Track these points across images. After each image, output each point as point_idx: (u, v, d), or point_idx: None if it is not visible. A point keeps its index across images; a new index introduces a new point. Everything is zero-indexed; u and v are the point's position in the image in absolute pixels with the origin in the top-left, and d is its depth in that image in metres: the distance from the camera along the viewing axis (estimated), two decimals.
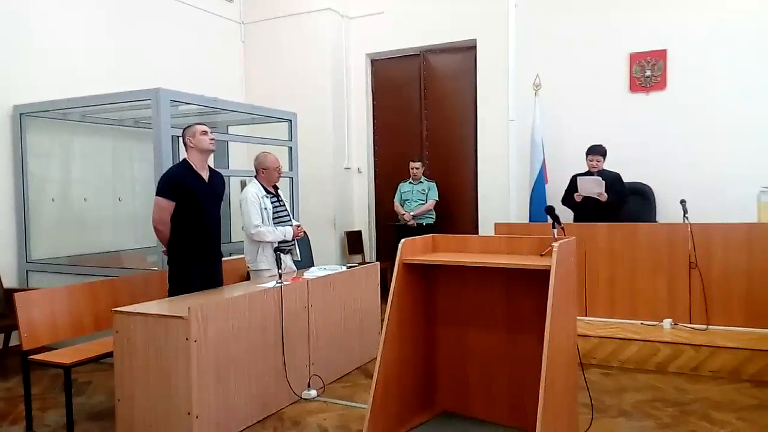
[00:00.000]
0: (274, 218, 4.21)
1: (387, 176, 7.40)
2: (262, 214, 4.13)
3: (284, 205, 4.41)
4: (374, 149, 7.69)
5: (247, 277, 4.41)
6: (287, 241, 4.28)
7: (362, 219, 7.64)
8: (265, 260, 4.14)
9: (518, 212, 6.56)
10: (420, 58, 7.27)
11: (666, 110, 5.95)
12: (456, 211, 7.08)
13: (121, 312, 3.23)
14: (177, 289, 3.76)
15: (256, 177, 4.33)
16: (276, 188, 4.39)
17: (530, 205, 6.28)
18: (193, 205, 3.75)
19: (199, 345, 3.07)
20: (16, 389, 4.05)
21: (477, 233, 6.67)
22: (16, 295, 3.51)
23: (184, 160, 3.86)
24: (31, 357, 3.43)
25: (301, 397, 3.79)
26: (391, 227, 6.98)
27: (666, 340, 4.30)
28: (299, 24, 7.31)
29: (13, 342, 4.50)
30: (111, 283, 4.05)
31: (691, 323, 4.57)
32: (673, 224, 4.85)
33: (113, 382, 3.25)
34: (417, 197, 6.65)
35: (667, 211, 5.59)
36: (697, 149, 5.78)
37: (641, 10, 6.02)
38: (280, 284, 3.72)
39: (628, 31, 6.09)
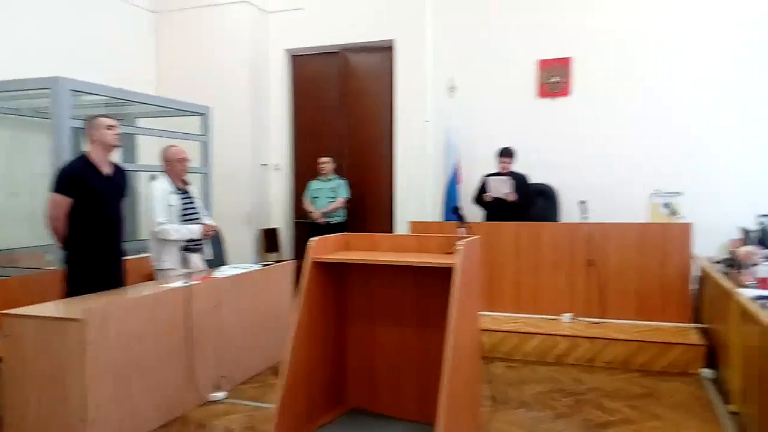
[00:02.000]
0: (182, 215, 4.08)
1: (306, 173, 7.34)
2: (168, 212, 3.99)
3: (194, 202, 4.28)
4: (294, 146, 7.62)
5: (153, 277, 4.25)
6: (195, 240, 4.16)
7: (280, 216, 7.56)
8: (170, 259, 4.01)
9: (434, 211, 6.71)
10: (340, 56, 7.27)
11: (570, 116, 6.27)
12: (373, 210, 7.15)
13: (10, 315, 3.03)
14: (75, 289, 3.57)
15: (165, 172, 4.19)
16: (186, 183, 4.26)
17: (445, 204, 6.45)
18: (92, 202, 3.57)
19: (96, 348, 2.93)
20: None
21: (393, 232, 6.77)
22: None
23: (84, 154, 3.67)
24: None
25: (208, 399, 3.71)
26: (311, 225, 6.92)
27: (565, 333, 4.55)
28: (215, 16, 7.12)
29: None
30: (4, 284, 3.79)
31: (588, 317, 4.86)
32: (573, 224, 5.16)
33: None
34: (327, 195, 6.62)
35: (568, 212, 5.90)
36: (597, 153, 6.14)
37: (550, 19, 6.31)
38: (187, 284, 3.62)
39: (537, 38, 6.37)
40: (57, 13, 6.02)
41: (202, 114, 5.86)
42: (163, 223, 3.95)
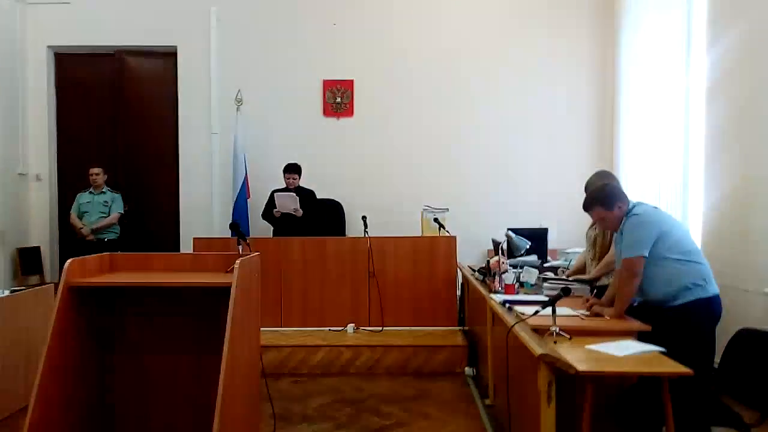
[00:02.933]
0: None
1: (74, 185, 6.55)
2: None
3: None
4: (58, 154, 6.79)
5: None
6: None
7: (42, 233, 6.66)
8: None
9: (221, 227, 6.50)
10: (116, 57, 6.69)
11: (353, 135, 6.60)
12: (155, 226, 6.69)
13: None
14: None
15: None
16: None
17: (232, 219, 6.28)
18: None
19: None
20: None
21: (179, 249, 6.41)
22: None
23: None
24: None
25: None
26: (80, 243, 6.17)
27: (348, 343, 4.74)
28: None
29: None
30: None
31: (370, 326, 5.12)
32: (356, 238, 5.42)
33: None
34: (98, 209, 6.00)
35: (354, 226, 6.17)
36: (377, 171, 6.54)
37: (334, 41, 6.58)
38: None
39: (321, 59, 6.59)
40: None
41: None
42: None
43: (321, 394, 4.14)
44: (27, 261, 6.40)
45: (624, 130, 6.11)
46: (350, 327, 5.07)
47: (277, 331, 5.02)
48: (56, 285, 4.26)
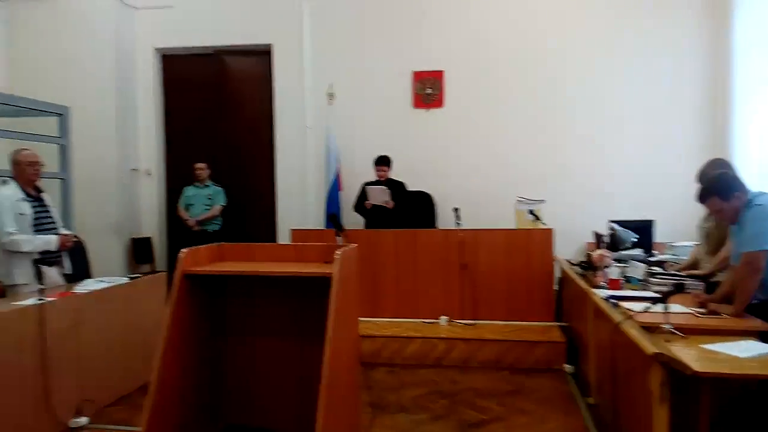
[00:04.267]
0: (35, 225, 3.71)
1: (181, 179, 6.96)
2: (18, 221, 3.61)
3: (49, 210, 3.91)
4: (166, 150, 7.24)
5: (2, 294, 3.82)
6: (51, 252, 3.80)
7: (152, 225, 7.12)
8: (22, 274, 3.63)
9: (316, 218, 6.68)
10: (215, 57, 7.02)
11: (443, 126, 6.54)
12: (253, 218, 6.97)
13: None
14: None
15: (14, 178, 3.79)
16: (39, 191, 3.88)
17: (326, 211, 6.44)
18: None
19: None
20: None
21: (275, 240, 6.65)
22: None
23: None
24: None
25: (68, 426, 3.40)
26: (186, 233, 6.56)
27: (442, 336, 4.72)
28: (75, 7, 6.56)
29: None
30: None
31: (463, 319, 5.07)
32: (448, 230, 5.37)
33: None
34: (203, 202, 6.36)
35: (445, 218, 6.13)
36: (468, 162, 6.45)
37: (423, 33, 6.54)
38: (41, 301, 3.29)
39: (411, 50, 6.56)
40: None
41: (59, 115, 5.39)
42: (12, 234, 3.57)
43: (416, 386, 4.16)
44: (139, 250, 6.88)
45: (739, 117, 5.65)
46: (443, 319, 5.05)
47: (369, 321, 5.09)
48: (169, 273, 4.57)
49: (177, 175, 7.07)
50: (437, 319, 5.07)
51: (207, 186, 6.41)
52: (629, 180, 6.17)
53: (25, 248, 3.62)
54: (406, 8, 6.57)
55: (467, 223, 5.27)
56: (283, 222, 6.73)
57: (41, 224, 3.78)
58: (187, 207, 6.39)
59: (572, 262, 4.62)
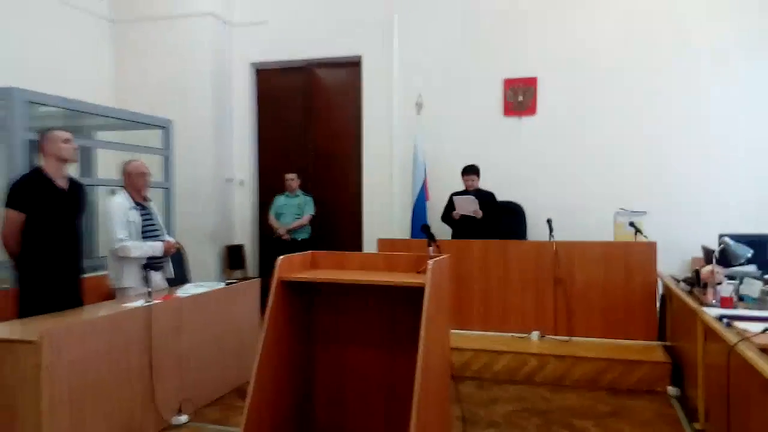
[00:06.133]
0: (143, 232, 3.94)
1: (271, 189, 7.21)
2: (128, 228, 3.84)
3: (155, 218, 4.14)
4: (258, 161, 7.51)
5: (113, 296, 4.08)
6: (157, 258, 4.01)
7: (244, 232, 7.41)
8: (131, 278, 3.86)
9: (401, 228, 6.68)
10: (305, 70, 7.22)
11: (536, 134, 6.35)
12: (340, 227, 7.08)
13: None
14: (28, 309, 3.39)
15: (124, 187, 4.04)
16: (146, 199, 4.12)
17: (412, 221, 6.42)
18: (46, 218, 3.41)
19: (51, 373, 2.77)
20: None
21: (361, 249, 6.71)
22: None
23: (38, 167, 3.51)
24: None
25: (170, 423, 3.56)
26: (276, 242, 6.76)
27: (533, 351, 4.54)
28: (177, 27, 6.97)
29: None
30: None
31: (556, 335, 4.87)
32: (540, 242, 5.18)
33: None
34: (293, 211, 6.52)
35: (536, 229, 5.94)
36: (563, 172, 6.23)
37: (515, 39, 6.40)
38: (148, 303, 3.48)
39: (502, 57, 6.45)
40: (11, 22, 5.81)
41: (163, 127, 5.72)
42: (123, 240, 3.80)
43: (507, 401, 4.03)
44: (233, 257, 7.16)
45: None
46: (535, 334, 4.87)
47: (456, 333, 4.99)
48: (262, 279, 4.71)
49: (268, 185, 7.32)
50: (528, 333, 4.90)
51: (297, 195, 6.58)
52: (740, 191, 5.73)
53: (134, 254, 3.84)
54: (498, 15, 6.45)
55: (560, 235, 5.07)
56: (370, 231, 6.78)
57: (148, 231, 4.00)
58: (278, 216, 6.58)
59: (677, 278, 4.32)
